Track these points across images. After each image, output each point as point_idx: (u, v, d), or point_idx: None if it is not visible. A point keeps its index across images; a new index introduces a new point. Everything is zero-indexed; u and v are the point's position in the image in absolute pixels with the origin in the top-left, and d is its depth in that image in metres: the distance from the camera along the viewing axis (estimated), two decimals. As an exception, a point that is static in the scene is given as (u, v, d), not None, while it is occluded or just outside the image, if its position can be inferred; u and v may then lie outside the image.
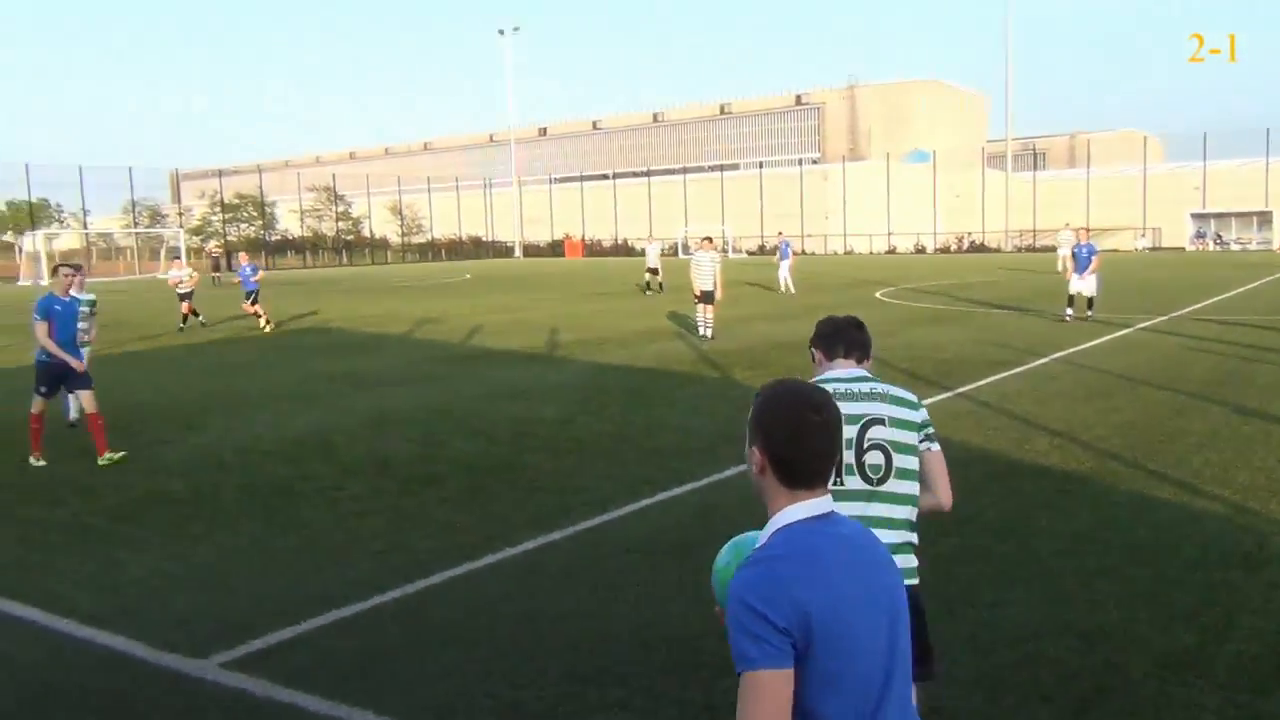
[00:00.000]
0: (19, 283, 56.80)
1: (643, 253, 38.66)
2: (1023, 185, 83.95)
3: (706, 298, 20.22)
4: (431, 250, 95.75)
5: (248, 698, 5.00)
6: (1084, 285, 22.31)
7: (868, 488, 3.52)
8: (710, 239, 21.81)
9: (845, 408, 3.50)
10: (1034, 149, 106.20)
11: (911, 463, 3.61)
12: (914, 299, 29.27)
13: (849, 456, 3.53)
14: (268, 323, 25.12)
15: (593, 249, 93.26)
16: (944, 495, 3.73)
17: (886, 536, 3.47)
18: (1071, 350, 17.03)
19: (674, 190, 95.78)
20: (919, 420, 3.68)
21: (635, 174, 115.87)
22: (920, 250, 78.59)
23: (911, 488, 3.60)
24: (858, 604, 2.10)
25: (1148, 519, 7.58)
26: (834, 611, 2.06)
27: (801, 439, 2.22)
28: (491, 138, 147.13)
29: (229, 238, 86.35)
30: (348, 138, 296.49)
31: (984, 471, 9.01)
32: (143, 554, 7.37)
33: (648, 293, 34.69)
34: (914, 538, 3.60)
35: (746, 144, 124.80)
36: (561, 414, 12.34)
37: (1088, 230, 25.49)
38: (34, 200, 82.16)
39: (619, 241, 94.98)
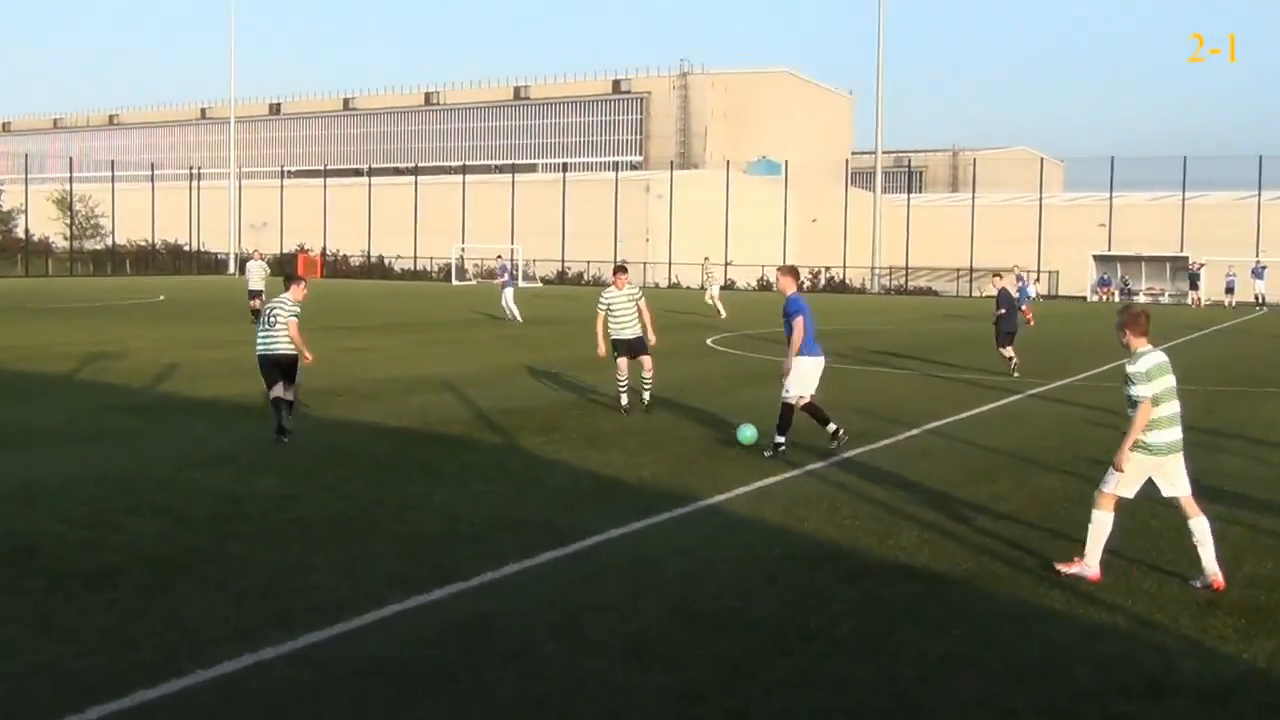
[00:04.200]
0: None
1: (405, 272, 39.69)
2: (895, 210, 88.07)
3: (638, 349, 18.23)
4: (113, 260, 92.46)
5: None
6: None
7: None
8: (624, 269, 19.35)
9: None
10: (909, 165, 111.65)
11: None
12: (754, 348, 30.11)
13: None
14: None
15: (337, 267, 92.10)
16: None
17: None
18: (947, 420, 17.87)
19: (448, 195, 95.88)
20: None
21: (400, 171, 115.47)
22: (765, 286, 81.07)
23: None
24: None
25: (1035, 634, 7.97)
26: None
27: None
28: (204, 113, 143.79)
29: None
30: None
31: (836, 573, 9.29)
32: None
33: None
34: None
35: (547, 139, 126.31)
36: (282, 487, 12.13)
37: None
38: None
39: (373, 259, 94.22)
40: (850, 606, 8.45)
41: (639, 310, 18.28)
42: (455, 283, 79.22)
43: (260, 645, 7.42)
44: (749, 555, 9.78)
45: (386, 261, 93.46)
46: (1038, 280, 75.27)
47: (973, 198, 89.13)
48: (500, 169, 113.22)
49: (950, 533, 10.62)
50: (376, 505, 11.41)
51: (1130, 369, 9.03)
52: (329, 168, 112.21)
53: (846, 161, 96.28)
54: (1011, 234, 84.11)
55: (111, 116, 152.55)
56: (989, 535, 10.58)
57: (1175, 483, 9.15)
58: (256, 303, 37.50)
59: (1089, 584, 9.00)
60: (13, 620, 7.85)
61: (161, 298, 53.26)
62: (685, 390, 20.46)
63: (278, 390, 15.22)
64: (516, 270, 41.14)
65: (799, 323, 14.48)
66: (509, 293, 41.14)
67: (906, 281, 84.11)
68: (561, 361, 25.75)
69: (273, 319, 15.36)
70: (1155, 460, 9.03)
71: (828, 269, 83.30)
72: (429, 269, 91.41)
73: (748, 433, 14.74)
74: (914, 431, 16.76)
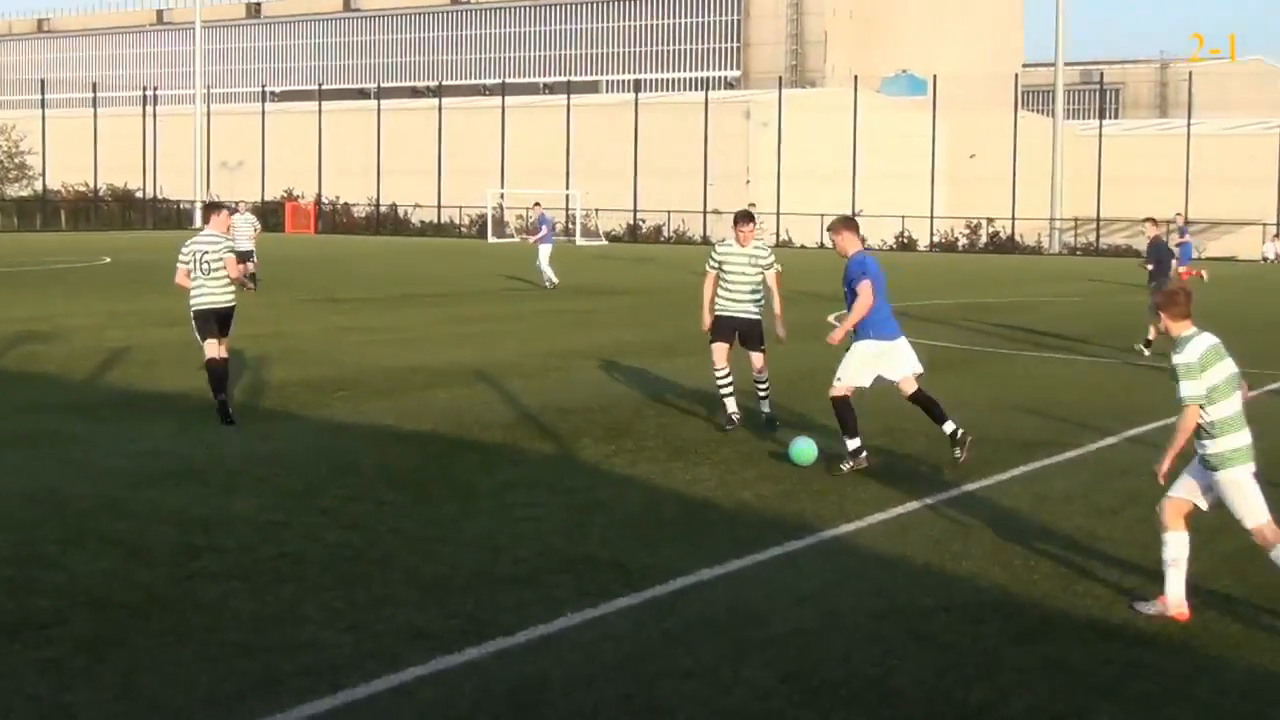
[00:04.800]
0: None
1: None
2: (1082, 142, 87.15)
3: (749, 337, 17.09)
4: (43, 211, 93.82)
5: None
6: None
7: None
8: (750, 217, 17.68)
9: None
10: (1100, 81, 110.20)
11: None
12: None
13: None
14: None
15: (336, 220, 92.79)
16: None
17: None
18: (1156, 424, 17.54)
19: (481, 124, 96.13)
20: None
21: (417, 92, 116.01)
22: (906, 244, 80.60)
23: None
24: None
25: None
26: None
27: None
28: (160, 16, 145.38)
29: None
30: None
31: (1005, 630, 9.23)
32: None
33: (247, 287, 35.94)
34: None
35: (613, 48, 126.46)
36: (266, 510, 12.20)
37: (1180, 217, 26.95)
38: None
39: (383, 209, 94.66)
40: (1025, 676, 8.36)
41: (765, 281, 16.88)
42: (491, 239, 79.75)
43: (238, 718, 7.46)
44: (888, 606, 9.72)
45: (401, 212, 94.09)
46: (1278, 236, 74.26)
47: (1188, 125, 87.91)
48: (550, 88, 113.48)
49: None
50: (390, 535, 11.43)
51: (1175, 360, 9.28)
52: (324, 87, 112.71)
53: (1016, 77, 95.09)
54: (1240, 173, 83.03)
55: (40, 21, 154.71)
56: (1212, 580, 10.43)
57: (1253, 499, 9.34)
58: (245, 268, 37.95)
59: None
60: (-84, 684, 7.96)
61: (107, 260, 53.95)
62: (800, 381, 20.29)
63: (216, 349, 16.69)
64: (556, 223, 42.58)
65: (865, 288, 14.19)
66: (545, 251, 43.24)
67: (1098, 238, 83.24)
68: (634, 345, 25.76)
69: (208, 264, 16.73)
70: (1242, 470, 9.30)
71: (990, 221, 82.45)
72: (456, 222, 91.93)
73: (804, 448, 14.50)
74: (1111, 440, 16.55)
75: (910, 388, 14.67)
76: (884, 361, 14.48)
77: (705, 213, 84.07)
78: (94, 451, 15.06)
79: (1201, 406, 9.16)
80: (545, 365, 22.80)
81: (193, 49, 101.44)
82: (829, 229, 15.37)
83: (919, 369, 14.76)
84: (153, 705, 7.67)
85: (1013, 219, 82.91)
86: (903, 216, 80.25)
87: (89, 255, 57.13)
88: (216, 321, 16.97)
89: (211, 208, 18.19)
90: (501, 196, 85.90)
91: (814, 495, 13.20)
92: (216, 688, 7.95)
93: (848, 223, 15.04)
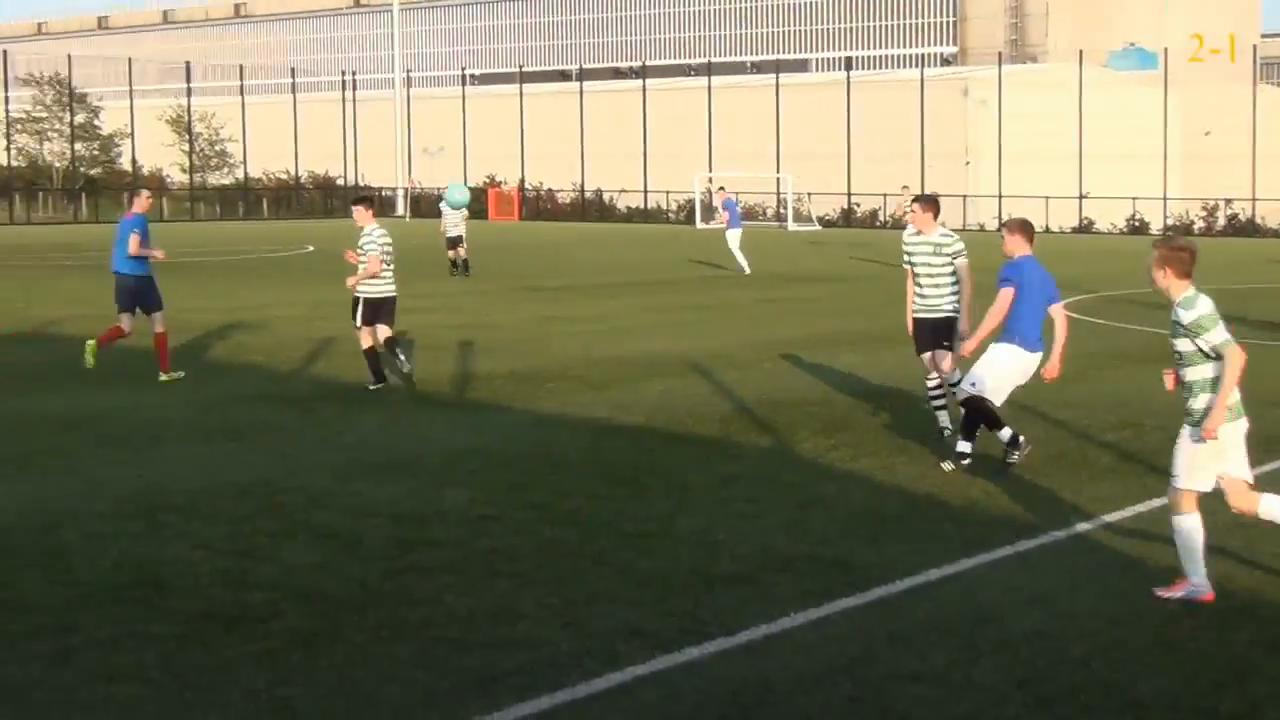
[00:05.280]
0: None
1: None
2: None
3: (934, 335, 15.80)
4: (245, 200, 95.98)
5: None
6: None
7: None
8: (929, 200, 16.04)
9: None
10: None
11: None
12: (1128, 316, 29.36)
13: None
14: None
15: (540, 206, 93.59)
16: None
17: None
18: None
19: (687, 105, 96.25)
20: None
21: (619, 73, 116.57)
22: (1137, 227, 79.04)
23: None
24: None
25: None
26: None
27: None
28: (358, 0, 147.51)
29: None
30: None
31: (1259, 638, 9.02)
32: None
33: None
34: None
35: (824, 24, 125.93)
36: (479, 504, 12.36)
37: None
38: None
39: (587, 194, 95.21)
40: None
41: (956, 274, 15.51)
42: (700, 225, 79.71)
43: (456, 716, 7.57)
44: (1128, 610, 9.55)
45: (606, 198, 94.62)
46: None
47: None
48: (757, 67, 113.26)
49: None
50: (604, 531, 11.52)
51: (1189, 317, 9.60)
52: (525, 69, 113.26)
53: (1254, 48, 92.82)
54: None
55: (237, 6, 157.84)
56: None
57: (1237, 460, 9.76)
58: (456, 253, 39.52)
59: None
60: (136, 676, 8.18)
61: (309, 249, 55.09)
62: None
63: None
64: (734, 205, 45.84)
65: (1005, 295, 13.67)
66: (734, 236, 44.05)
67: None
68: (850, 335, 25.68)
69: (389, 255, 19.07)
70: (1232, 429, 9.67)
71: (1229, 203, 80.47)
72: (663, 207, 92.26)
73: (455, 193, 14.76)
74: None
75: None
76: (1014, 377, 13.98)
77: (922, 185, 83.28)
78: (303, 443, 15.46)
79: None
80: (759, 356, 22.76)
81: (391, 32, 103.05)
82: (1007, 226, 14.64)
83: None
84: (369, 701, 7.82)
85: (1253, 200, 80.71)
86: (1133, 199, 78.52)
87: (292, 244, 58.30)
88: (389, 310, 18.96)
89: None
90: (709, 180, 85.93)
91: (1046, 493, 13.01)
92: (434, 685, 8.08)
93: (1021, 227, 14.12)
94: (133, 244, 19.58)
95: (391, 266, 19.05)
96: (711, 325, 27.88)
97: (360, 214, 19.33)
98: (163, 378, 19.62)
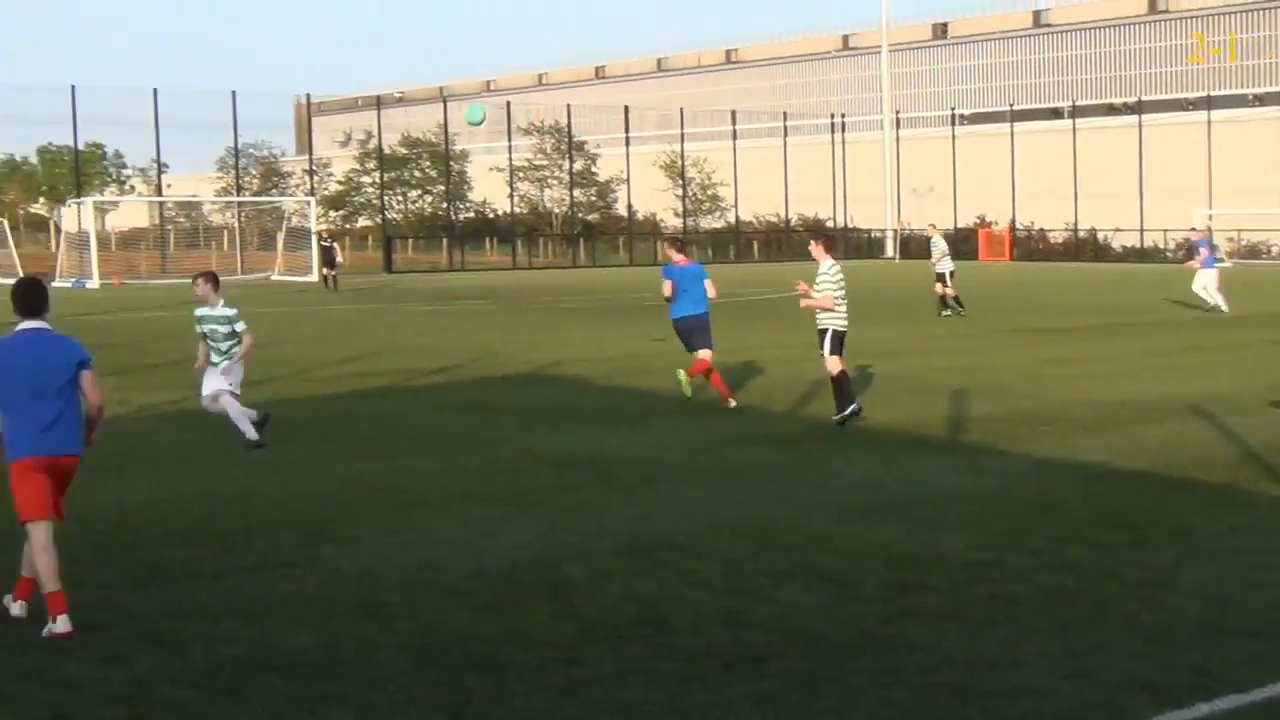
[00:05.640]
0: (54, 282, 61.86)
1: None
2: None
3: None
4: (737, 243, 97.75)
5: None
6: None
7: None
8: None
9: None
10: None
11: None
12: None
13: None
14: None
15: (1031, 246, 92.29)
16: None
17: None
18: None
19: (1182, 140, 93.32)
20: None
21: (1114, 110, 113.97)
22: None
23: None
24: None
25: None
26: None
27: None
28: (846, 41, 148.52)
29: (389, 214, 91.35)
30: (580, 47, 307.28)
31: None
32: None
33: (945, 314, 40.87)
34: None
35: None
36: (976, 549, 12.31)
37: None
38: (84, 147, 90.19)
39: (1080, 233, 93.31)
40: None
41: None
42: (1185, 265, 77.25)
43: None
44: None
45: (1101, 237, 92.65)
46: None
47: None
48: (1260, 100, 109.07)
49: None
50: (1107, 579, 11.32)
51: None
52: (1015, 108, 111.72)
53: None
54: None
55: (729, 52, 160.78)
56: None
57: None
58: (946, 289, 40.61)
59: None
60: (641, 712, 8.44)
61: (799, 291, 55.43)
62: None
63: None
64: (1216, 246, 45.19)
65: None
66: (1205, 276, 42.75)
67: None
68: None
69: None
70: None
71: None
72: (1161, 246, 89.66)
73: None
74: None
75: None
76: None
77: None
78: (798, 484, 15.64)
79: None
80: (1264, 399, 21.90)
81: (879, 73, 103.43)
82: None
83: None
84: (870, 745, 7.85)
85: None
86: None
87: (781, 287, 59.01)
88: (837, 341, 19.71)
89: (820, 237, 21.32)
90: (1209, 218, 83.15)
91: None
92: (931, 727, 8.07)
93: None
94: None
95: (844, 302, 19.81)
96: (1213, 367, 26.97)
97: (816, 249, 20.19)
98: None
